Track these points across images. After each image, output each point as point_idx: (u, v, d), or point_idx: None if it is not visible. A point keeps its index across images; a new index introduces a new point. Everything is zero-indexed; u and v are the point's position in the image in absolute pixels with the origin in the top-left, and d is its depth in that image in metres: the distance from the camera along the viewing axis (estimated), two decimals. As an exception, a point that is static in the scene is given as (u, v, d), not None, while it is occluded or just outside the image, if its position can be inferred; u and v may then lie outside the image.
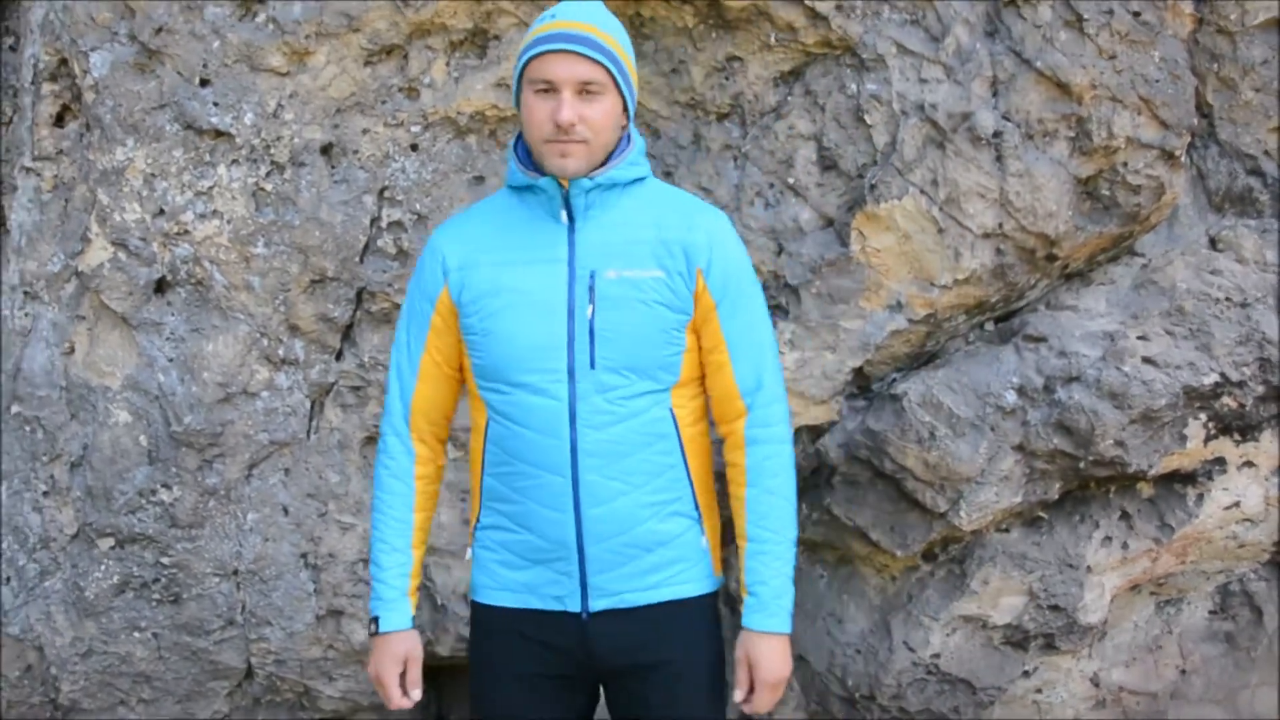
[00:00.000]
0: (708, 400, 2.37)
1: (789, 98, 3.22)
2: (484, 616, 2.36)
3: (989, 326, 3.32)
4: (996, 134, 3.10)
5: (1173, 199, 3.25)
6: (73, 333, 3.19)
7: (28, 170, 3.22)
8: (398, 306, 3.19)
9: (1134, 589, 3.36)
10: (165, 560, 3.20)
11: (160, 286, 3.17)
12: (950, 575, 3.27)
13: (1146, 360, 3.11)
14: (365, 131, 3.17)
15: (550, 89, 2.16)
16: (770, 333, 2.35)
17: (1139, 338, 3.14)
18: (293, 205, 3.15)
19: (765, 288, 2.81)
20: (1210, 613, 3.44)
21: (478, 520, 2.34)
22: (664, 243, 2.23)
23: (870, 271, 3.15)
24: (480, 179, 3.22)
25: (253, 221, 3.15)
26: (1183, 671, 3.42)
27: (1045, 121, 3.10)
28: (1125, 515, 3.25)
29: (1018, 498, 3.17)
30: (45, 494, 3.21)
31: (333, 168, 3.18)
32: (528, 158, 2.25)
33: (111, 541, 3.19)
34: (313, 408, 3.24)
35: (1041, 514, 3.26)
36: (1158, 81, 3.13)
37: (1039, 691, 3.33)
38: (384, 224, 3.20)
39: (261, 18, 3.11)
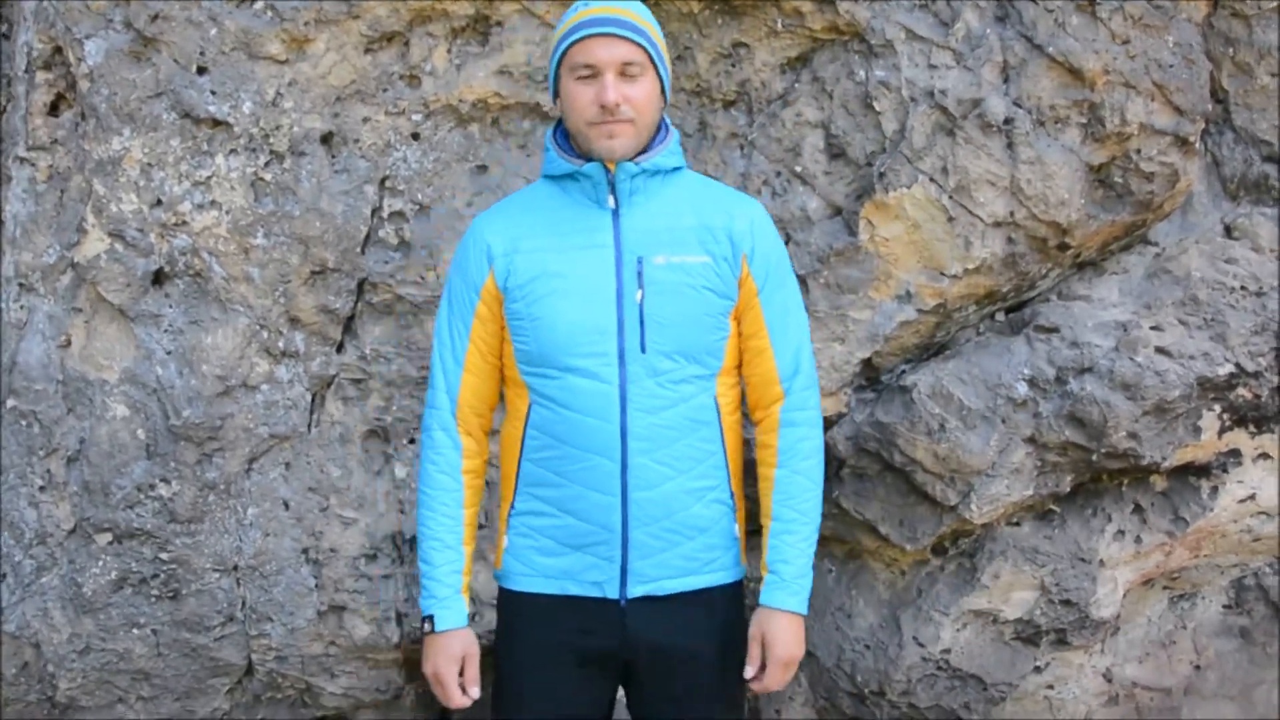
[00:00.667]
0: (743, 387, 2.42)
1: (796, 85, 3.19)
2: (516, 604, 2.37)
3: (1000, 317, 3.30)
4: (1007, 121, 3.07)
5: (1187, 186, 3.22)
6: (69, 325, 3.17)
7: (22, 160, 3.19)
8: (400, 298, 3.17)
9: (1147, 583, 3.34)
10: (164, 556, 3.18)
11: (158, 278, 3.15)
12: (960, 569, 3.25)
13: (1160, 350, 3.09)
14: (366, 120, 3.15)
15: (592, 73, 2.23)
16: (806, 320, 2.44)
17: (1152, 328, 3.12)
18: (292, 195, 3.13)
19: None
20: (1225, 607, 3.42)
21: (511, 507, 2.35)
22: (708, 229, 2.30)
23: (879, 261, 3.13)
24: (483, 168, 3.20)
25: (252, 212, 3.12)
26: (1197, 667, 3.40)
27: (1057, 108, 3.08)
28: (1138, 508, 3.23)
29: (1029, 490, 3.15)
30: (42, 489, 3.19)
31: (333, 157, 3.16)
32: (568, 145, 2.30)
33: (109, 537, 3.17)
34: (313, 401, 3.22)
35: (1053, 507, 3.24)
36: (1172, 67, 3.10)
37: (1051, 687, 3.31)
38: (385, 214, 3.18)
39: (260, 4, 3.08)
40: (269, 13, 3.08)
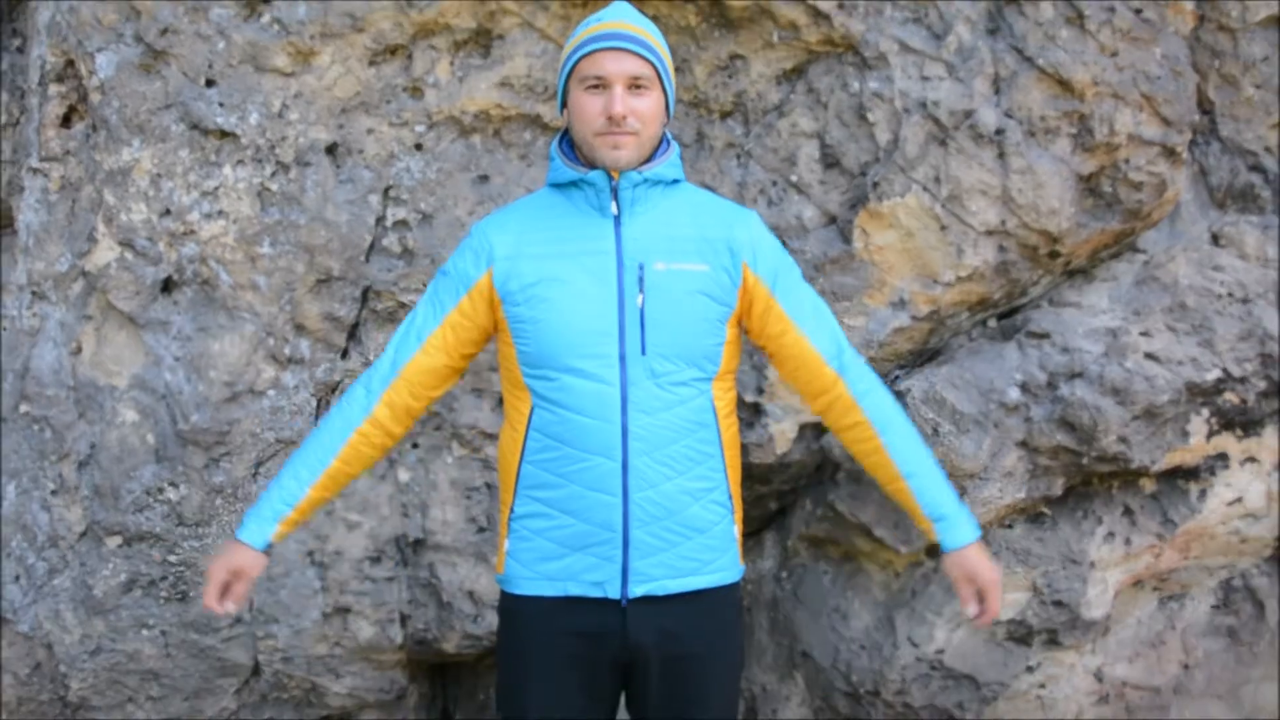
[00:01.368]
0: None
1: (791, 96, 3.22)
2: (518, 608, 2.37)
3: (992, 323, 3.33)
4: (999, 131, 3.10)
5: (1174, 196, 3.25)
6: (80, 332, 3.20)
7: (35, 171, 3.23)
8: (404, 305, 3.20)
9: (1137, 584, 3.36)
10: (173, 558, 3.20)
11: (167, 286, 3.18)
12: (954, 571, 3.27)
13: (1149, 356, 3.12)
14: (370, 131, 3.18)
15: (601, 85, 2.28)
16: (825, 303, 2.46)
17: (1141, 334, 3.14)
18: (298, 205, 3.16)
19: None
20: (1213, 608, 3.44)
21: (512, 511, 2.36)
22: (706, 240, 2.34)
23: (873, 269, 3.16)
24: (485, 178, 3.22)
25: (258, 221, 3.15)
26: (1186, 667, 3.42)
27: (1047, 119, 3.11)
28: (1128, 511, 3.25)
29: (1021, 494, 3.18)
30: (53, 493, 3.22)
31: (338, 167, 3.19)
32: (573, 155, 2.35)
33: (119, 540, 3.20)
34: (319, 406, 3.25)
35: (1045, 510, 3.26)
36: (1159, 78, 3.13)
37: (1042, 687, 3.33)
38: (389, 223, 3.21)
39: (266, 18, 3.12)
40: (275, 26, 3.12)
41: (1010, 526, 3.25)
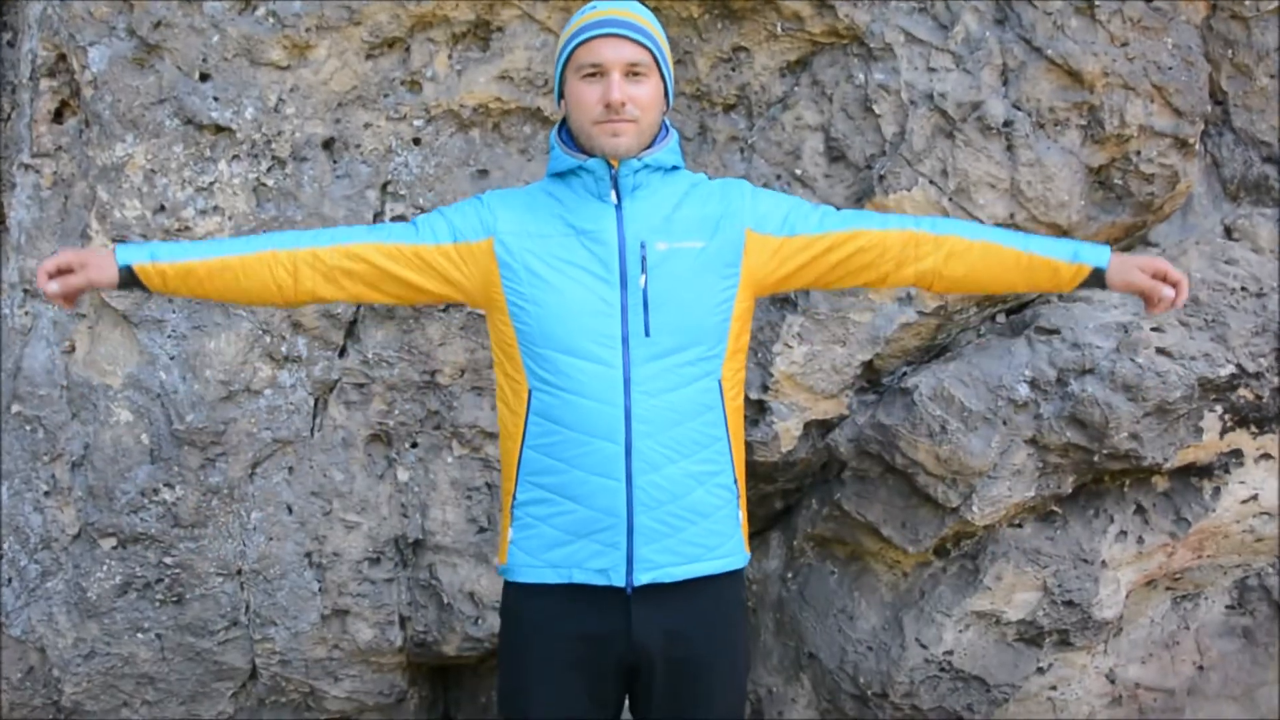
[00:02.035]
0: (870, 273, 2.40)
1: (796, 88, 3.20)
2: (521, 596, 2.35)
3: (1000, 319, 3.30)
4: (1007, 123, 3.08)
5: (1186, 188, 3.22)
6: (73, 331, 3.18)
7: (27, 167, 3.21)
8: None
9: (1150, 584, 3.34)
10: (168, 560, 3.18)
11: (161, 283, 3.16)
12: (963, 571, 3.24)
13: (1161, 351, 3.09)
14: (367, 125, 3.16)
15: (598, 72, 2.26)
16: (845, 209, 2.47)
17: (1153, 329, 3.12)
18: (295, 200, 3.14)
19: (768, 294, 2.80)
20: (1227, 608, 3.41)
21: (514, 498, 2.34)
22: (705, 218, 2.32)
23: (880, 263, 3.13)
24: (484, 172, 3.20)
25: (254, 217, 3.13)
26: (1200, 668, 3.40)
27: (1056, 110, 3.08)
28: (1140, 509, 3.23)
29: (1031, 492, 3.15)
30: (46, 494, 3.20)
31: (335, 162, 3.17)
32: (572, 144, 2.33)
33: (114, 541, 3.18)
34: (316, 405, 3.23)
35: (1055, 508, 3.24)
36: (1171, 68, 3.10)
37: (1054, 689, 3.30)
38: (387, 218, 3.19)
39: (261, 11, 3.09)
40: (271, 19, 3.09)
41: (1020, 525, 3.23)
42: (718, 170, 3.21)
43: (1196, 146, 3.20)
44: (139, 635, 3.22)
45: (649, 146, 2.31)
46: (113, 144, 3.10)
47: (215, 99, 3.09)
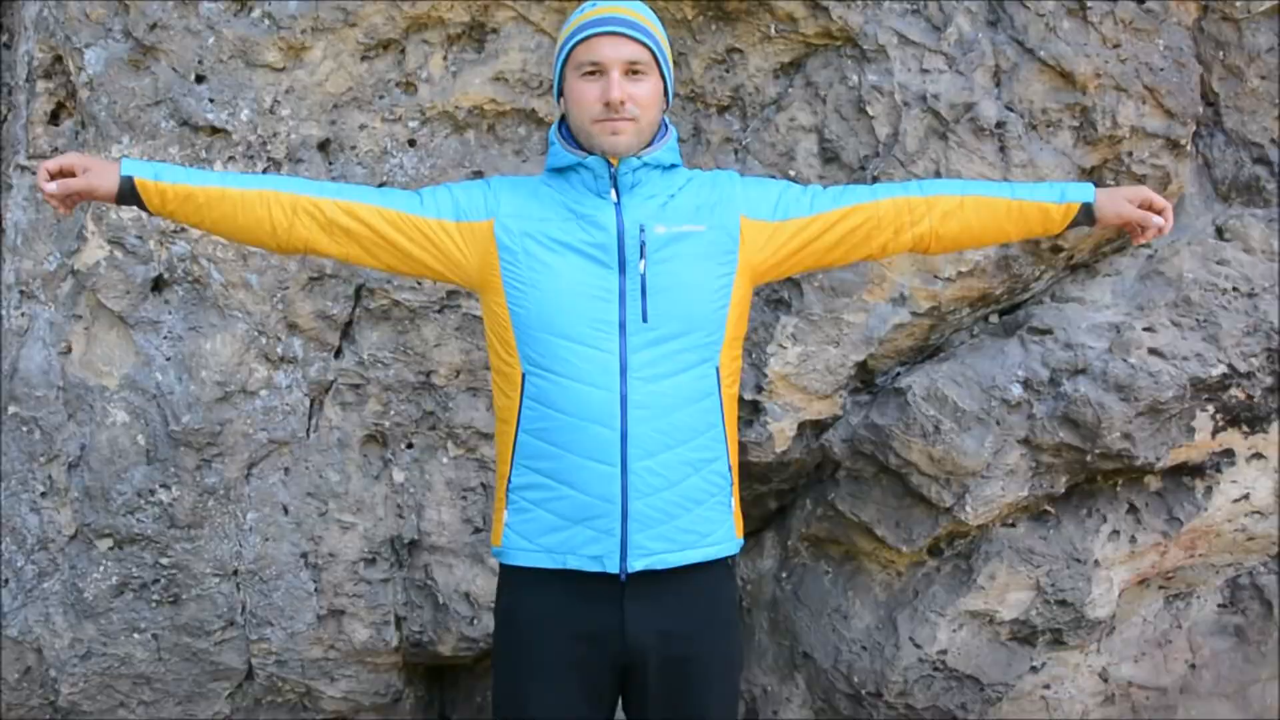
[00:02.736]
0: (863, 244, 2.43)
1: (790, 89, 3.20)
2: (516, 580, 2.34)
3: (993, 319, 3.31)
4: (999, 124, 3.08)
5: (1178, 189, 3.23)
6: (69, 332, 3.18)
7: (23, 169, 3.21)
8: (397, 303, 3.18)
9: (1142, 583, 3.34)
10: (164, 561, 3.18)
11: (157, 285, 3.16)
12: (956, 571, 3.25)
13: (1153, 352, 3.10)
14: (363, 127, 3.16)
15: (597, 71, 2.26)
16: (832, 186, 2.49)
17: (1145, 329, 3.12)
18: (290, 202, 3.13)
19: (767, 281, 2.81)
20: (1220, 606, 3.42)
21: (509, 482, 2.33)
22: (699, 205, 2.34)
23: (873, 264, 3.13)
24: (479, 174, 3.19)
25: (250, 218, 3.12)
26: (1192, 666, 3.40)
27: (1049, 111, 3.09)
28: (1133, 509, 3.23)
29: (1024, 492, 3.15)
30: (43, 495, 3.20)
31: (330, 164, 3.17)
32: (572, 141, 2.33)
33: (110, 542, 3.18)
34: (312, 406, 3.23)
35: (1048, 508, 3.24)
36: (1162, 70, 3.11)
37: (1047, 687, 3.31)
38: (382, 220, 3.18)
39: (257, 13, 3.09)
40: (266, 21, 3.09)
41: (1013, 525, 3.23)
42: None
43: (1188, 147, 3.20)
44: (135, 636, 3.22)
45: (649, 145, 2.31)
46: (109, 145, 3.10)
47: (211, 101, 3.10)
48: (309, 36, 3.09)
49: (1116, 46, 3.07)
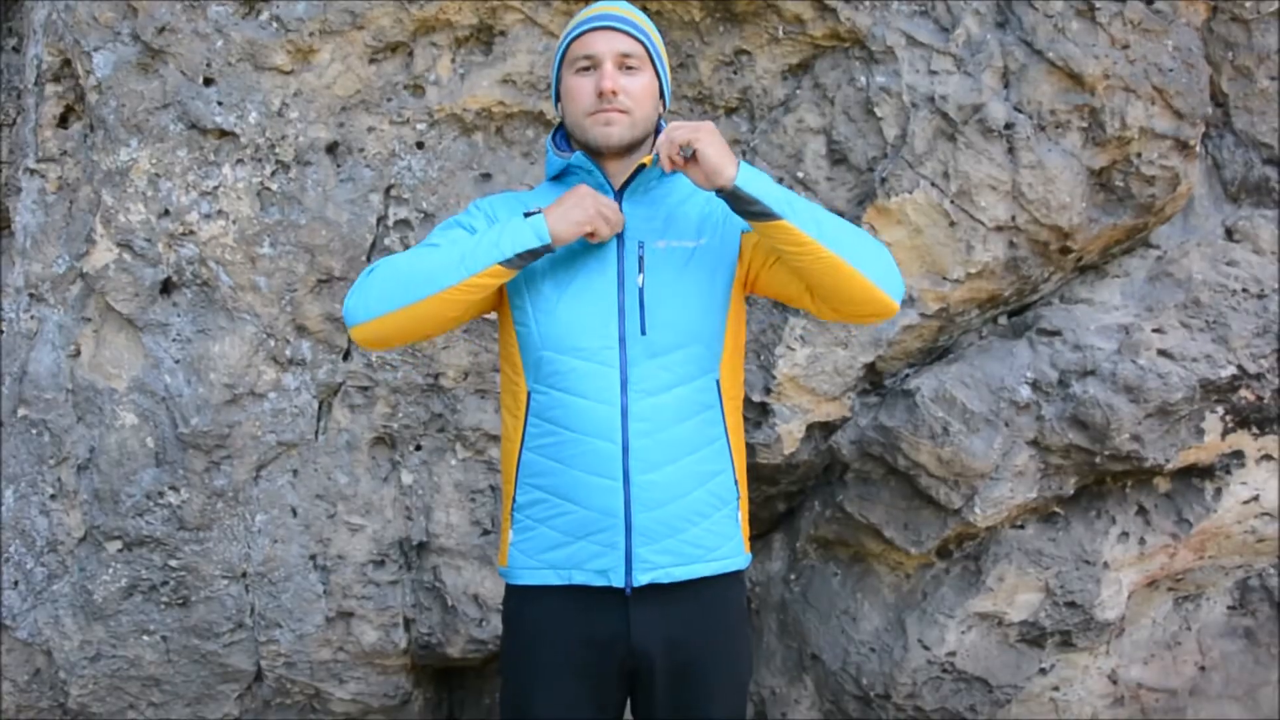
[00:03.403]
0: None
1: (798, 91, 3.20)
2: (523, 599, 2.34)
3: (1002, 320, 3.30)
4: (1008, 125, 3.08)
5: (1187, 190, 3.22)
6: (79, 335, 3.18)
7: (32, 172, 3.21)
8: (405, 305, 3.17)
9: (1152, 585, 3.33)
10: (173, 563, 3.19)
11: (166, 287, 3.16)
12: (965, 572, 3.25)
13: (1162, 353, 3.09)
14: (371, 129, 3.16)
15: (592, 65, 2.27)
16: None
17: (1154, 330, 3.11)
18: (298, 204, 3.14)
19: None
20: (1229, 608, 3.41)
21: (514, 501, 2.33)
22: (703, 217, 2.33)
23: (881, 266, 3.13)
24: (487, 176, 3.20)
25: (258, 221, 3.13)
26: (1202, 668, 3.39)
27: (1057, 112, 3.08)
28: (1142, 510, 3.23)
29: (1033, 493, 3.15)
30: (52, 497, 3.20)
31: (338, 166, 3.17)
32: (566, 146, 2.35)
33: (119, 544, 3.18)
34: (320, 408, 3.23)
35: (1057, 510, 3.24)
36: (1171, 71, 3.10)
37: (1056, 689, 3.30)
38: (390, 222, 3.19)
39: (265, 16, 3.10)
40: (274, 24, 3.09)
41: (1022, 527, 3.23)
42: (720, 173, 3.21)
43: (1197, 148, 3.19)
44: (144, 638, 3.22)
45: (642, 143, 2.31)
46: (117, 149, 3.10)
47: (219, 103, 3.10)
48: (317, 39, 3.09)
49: (1125, 47, 3.07)
